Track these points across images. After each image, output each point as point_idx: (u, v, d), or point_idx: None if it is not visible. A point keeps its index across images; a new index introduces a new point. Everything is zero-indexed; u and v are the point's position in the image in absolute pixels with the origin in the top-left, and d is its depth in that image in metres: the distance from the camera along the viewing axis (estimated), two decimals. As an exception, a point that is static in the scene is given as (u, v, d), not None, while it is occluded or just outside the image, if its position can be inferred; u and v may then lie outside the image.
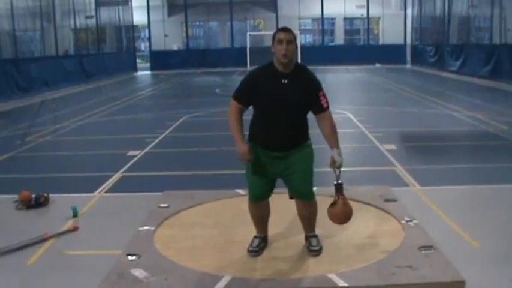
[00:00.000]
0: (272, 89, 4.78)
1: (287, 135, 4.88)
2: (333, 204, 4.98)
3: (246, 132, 4.98)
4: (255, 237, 5.30)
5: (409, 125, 13.06)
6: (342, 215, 5.00)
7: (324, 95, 4.87)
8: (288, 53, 4.74)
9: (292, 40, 4.77)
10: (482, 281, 4.62)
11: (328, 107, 4.88)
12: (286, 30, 4.84)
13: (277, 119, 4.83)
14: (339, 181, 4.98)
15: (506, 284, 4.62)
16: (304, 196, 5.07)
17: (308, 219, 5.23)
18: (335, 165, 4.90)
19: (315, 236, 5.24)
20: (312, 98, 4.82)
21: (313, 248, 5.14)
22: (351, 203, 6.50)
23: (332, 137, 4.91)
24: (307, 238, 5.26)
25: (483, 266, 4.91)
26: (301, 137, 4.99)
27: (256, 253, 5.16)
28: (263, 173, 4.99)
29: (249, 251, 5.18)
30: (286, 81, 4.79)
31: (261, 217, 5.25)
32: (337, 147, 4.91)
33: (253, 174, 5.02)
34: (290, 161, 4.95)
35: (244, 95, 4.93)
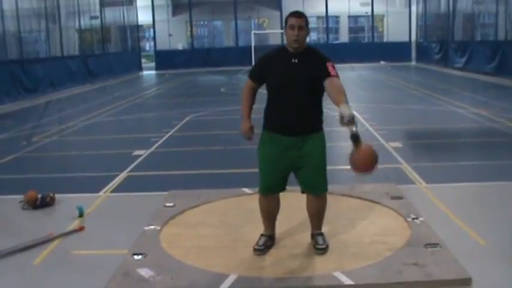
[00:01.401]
0: (282, 69, 4.85)
1: (298, 116, 4.87)
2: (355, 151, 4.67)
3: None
4: (262, 235, 5.29)
5: (415, 123, 13.03)
6: (368, 156, 4.73)
7: (333, 66, 4.83)
8: (299, 39, 4.80)
9: (303, 26, 4.80)
10: (488, 278, 4.60)
11: (336, 76, 4.80)
12: (298, 15, 4.85)
13: (288, 99, 4.85)
14: (354, 130, 4.58)
15: (513, 281, 4.61)
16: (316, 189, 5.07)
17: (317, 216, 5.21)
18: (344, 120, 4.47)
19: (321, 234, 5.23)
20: (320, 70, 4.78)
21: (319, 247, 5.13)
22: (358, 201, 6.56)
23: (339, 95, 4.66)
24: (313, 236, 5.25)
25: (490, 264, 4.90)
26: (313, 121, 4.96)
27: (262, 252, 5.15)
28: (275, 163, 4.98)
29: (254, 249, 5.16)
30: (296, 61, 4.84)
31: (269, 212, 5.23)
32: (344, 102, 4.58)
33: (266, 165, 5.03)
34: (303, 150, 4.92)
35: (257, 72, 5.02)
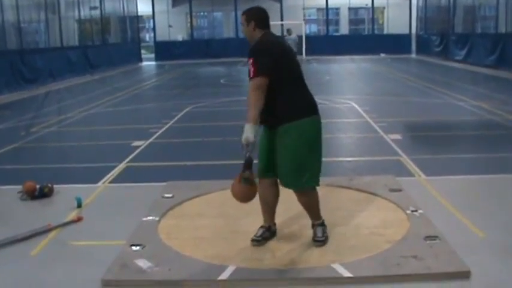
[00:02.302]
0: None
1: (267, 107, 4.79)
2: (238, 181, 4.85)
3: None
4: (261, 226, 5.29)
5: (414, 115, 13.01)
6: (238, 194, 4.92)
7: (251, 64, 4.77)
8: (245, 34, 5.14)
9: (243, 23, 5.08)
10: (487, 271, 4.59)
11: (250, 76, 4.77)
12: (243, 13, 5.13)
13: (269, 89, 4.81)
14: (246, 155, 4.72)
15: (512, 274, 4.60)
16: (291, 186, 5.04)
17: (308, 209, 5.22)
18: (241, 142, 4.66)
19: (320, 225, 5.21)
20: None
21: (317, 239, 5.13)
22: (356, 193, 6.55)
23: (248, 108, 4.72)
24: (313, 226, 5.24)
25: (489, 256, 4.88)
26: (276, 113, 4.86)
27: (258, 243, 5.16)
28: (265, 148, 5.06)
29: (251, 240, 5.17)
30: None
31: (266, 200, 5.23)
32: (247, 120, 4.68)
33: (259, 149, 5.07)
34: (276, 141, 4.95)
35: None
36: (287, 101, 4.87)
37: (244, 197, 4.94)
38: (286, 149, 4.88)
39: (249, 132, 4.62)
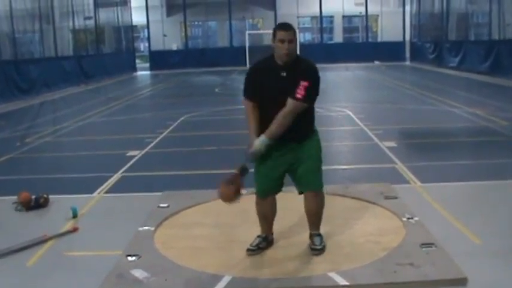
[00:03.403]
0: (271, 82, 4.84)
1: (294, 127, 4.83)
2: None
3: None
4: (258, 236, 5.29)
5: (409, 122, 13.03)
6: (225, 196, 4.94)
7: (307, 88, 4.73)
8: (290, 52, 4.78)
9: (292, 39, 4.77)
10: (484, 278, 4.59)
11: (300, 99, 4.74)
12: (287, 28, 4.81)
13: (278, 111, 4.79)
14: (247, 163, 4.90)
15: (509, 281, 4.59)
16: (312, 185, 5.07)
17: (315, 215, 5.22)
18: (250, 149, 4.82)
19: (319, 235, 5.22)
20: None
21: (314, 247, 5.13)
22: (352, 201, 6.56)
23: (274, 122, 4.79)
24: (311, 236, 5.24)
25: (485, 263, 4.89)
26: (304, 130, 4.96)
27: (253, 252, 5.15)
28: (271, 166, 5.02)
29: (247, 249, 5.17)
30: (284, 74, 4.82)
31: (265, 215, 5.24)
32: (267, 135, 4.79)
33: (262, 168, 5.05)
34: (298, 152, 4.97)
35: (250, 91, 4.97)
36: (312, 118, 5.03)
37: (228, 199, 4.93)
38: (313, 152, 5.03)
39: (263, 145, 4.76)
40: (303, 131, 4.95)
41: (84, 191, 7.82)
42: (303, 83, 4.72)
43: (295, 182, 5.13)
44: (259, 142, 4.78)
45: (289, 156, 4.98)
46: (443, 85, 21.35)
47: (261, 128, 4.89)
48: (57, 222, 6.40)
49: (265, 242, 5.27)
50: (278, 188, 5.16)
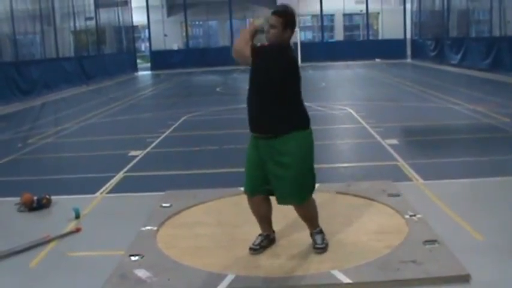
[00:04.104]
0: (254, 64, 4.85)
1: (263, 113, 4.80)
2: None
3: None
4: (259, 234, 5.29)
5: (411, 120, 13.02)
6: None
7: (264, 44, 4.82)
8: (271, 36, 4.83)
9: (274, 24, 4.78)
10: (487, 274, 4.59)
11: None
12: (273, 12, 4.84)
13: (256, 94, 4.84)
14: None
15: (512, 277, 4.60)
16: (289, 199, 4.96)
17: (306, 220, 5.20)
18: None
19: (319, 233, 5.21)
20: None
21: (317, 246, 5.12)
22: (354, 198, 6.55)
23: None
24: (311, 235, 5.24)
25: (488, 260, 4.88)
26: (279, 119, 4.76)
27: (256, 251, 5.15)
28: (251, 165, 5.01)
29: (249, 248, 5.17)
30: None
31: (258, 214, 5.23)
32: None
33: (247, 164, 5.05)
34: (274, 152, 4.81)
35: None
36: (292, 107, 4.85)
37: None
38: (294, 161, 4.79)
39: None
40: (278, 119, 4.75)
41: (86, 191, 7.83)
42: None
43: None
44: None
45: (267, 158, 4.85)
46: (444, 82, 21.33)
47: (248, 113, 4.93)
48: (60, 222, 6.40)
49: (267, 240, 5.26)
50: (263, 188, 5.02)
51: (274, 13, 4.79)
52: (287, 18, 4.80)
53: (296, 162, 4.79)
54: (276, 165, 4.81)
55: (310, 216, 5.17)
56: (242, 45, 4.82)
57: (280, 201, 4.98)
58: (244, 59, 4.82)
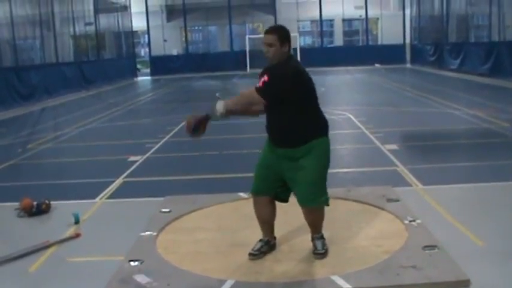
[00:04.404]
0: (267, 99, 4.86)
1: (278, 130, 4.93)
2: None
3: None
4: (260, 240, 5.29)
5: (410, 125, 13.03)
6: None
7: (265, 82, 4.78)
8: (268, 55, 4.89)
9: (271, 43, 4.84)
10: (487, 279, 4.59)
11: (256, 87, 4.80)
12: (267, 31, 4.95)
13: (272, 113, 4.93)
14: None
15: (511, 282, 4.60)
16: (306, 201, 4.99)
17: (312, 225, 5.20)
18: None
19: (320, 239, 5.20)
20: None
21: (317, 252, 5.12)
22: (354, 204, 6.56)
23: (233, 97, 5.05)
24: (312, 240, 5.23)
25: (488, 265, 4.88)
26: (298, 134, 4.88)
27: (255, 256, 5.14)
28: (265, 166, 5.07)
29: (249, 254, 5.17)
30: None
31: (261, 217, 5.23)
32: (225, 102, 4.92)
33: (260, 167, 5.11)
34: (294, 161, 4.91)
35: None
36: (309, 121, 4.94)
37: (189, 128, 5.19)
38: (313, 166, 4.91)
39: (221, 107, 4.88)
40: (297, 135, 4.88)
41: (86, 196, 7.83)
42: (264, 77, 4.80)
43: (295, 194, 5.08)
44: (219, 103, 4.88)
45: (284, 164, 4.95)
46: (443, 87, 21.35)
47: (267, 130, 5.03)
48: (59, 228, 6.40)
49: (267, 246, 5.26)
50: (272, 190, 5.10)
51: (267, 32, 4.90)
52: (281, 33, 4.90)
53: (315, 167, 4.92)
54: (296, 169, 4.92)
55: (317, 221, 5.18)
56: (246, 105, 4.95)
57: (302, 204, 5.04)
58: (260, 103, 4.86)
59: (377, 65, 36.39)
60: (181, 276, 4.81)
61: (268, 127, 5.03)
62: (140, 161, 10.18)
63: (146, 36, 41.98)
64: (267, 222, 5.26)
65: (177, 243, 5.64)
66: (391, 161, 9.20)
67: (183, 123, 5.16)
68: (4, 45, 22.03)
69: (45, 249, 5.74)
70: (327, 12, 39.96)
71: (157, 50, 40.39)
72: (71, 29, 29.46)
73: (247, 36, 39.18)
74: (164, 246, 5.53)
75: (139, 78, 36.91)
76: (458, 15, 29.55)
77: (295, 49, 32.18)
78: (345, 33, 45.61)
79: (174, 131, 13.36)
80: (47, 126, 15.94)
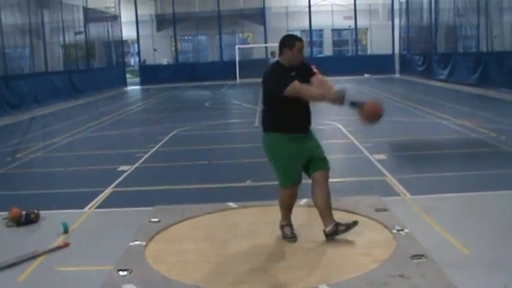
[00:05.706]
0: (287, 80, 5.49)
1: (306, 116, 5.76)
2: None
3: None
4: (286, 225, 5.71)
5: (399, 135, 13.10)
6: (372, 109, 6.17)
7: (317, 68, 5.76)
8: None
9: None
10: (474, 287, 4.63)
11: (319, 73, 5.78)
12: (302, 39, 5.81)
13: (297, 104, 5.57)
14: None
15: (498, 291, 4.63)
16: (326, 163, 5.79)
17: (327, 204, 5.69)
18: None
19: (338, 224, 5.67)
20: (310, 74, 5.77)
21: (341, 228, 5.68)
22: (343, 213, 6.58)
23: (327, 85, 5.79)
24: (328, 234, 5.61)
25: (475, 274, 4.93)
26: (310, 119, 5.83)
27: (295, 238, 5.63)
28: (299, 158, 5.63)
29: (289, 237, 5.61)
30: (294, 73, 5.57)
31: (290, 205, 5.75)
32: (325, 98, 5.62)
33: (291, 161, 5.62)
34: (309, 140, 5.75)
35: (284, 81, 5.53)
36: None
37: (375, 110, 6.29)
38: (319, 143, 5.93)
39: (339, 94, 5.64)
40: (310, 120, 5.80)
41: (75, 206, 7.82)
42: (315, 69, 5.86)
43: (312, 165, 5.68)
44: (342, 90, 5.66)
45: (304, 144, 5.67)
46: (432, 97, 21.47)
47: (287, 123, 5.61)
48: (48, 237, 6.39)
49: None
50: (300, 178, 5.70)
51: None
52: (279, 43, 5.71)
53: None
54: (315, 142, 5.85)
55: (330, 196, 5.81)
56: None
57: (326, 164, 5.84)
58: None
59: (366, 75, 36.52)
60: (170, 286, 4.81)
61: (293, 118, 5.61)
62: (129, 170, 10.17)
63: (136, 45, 41.96)
64: (291, 208, 5.78)
65: (166, 253, 5.64)
66: (379, 171, 9.25)
67: (376, 111, 6.21)
68: (-7, 53, 21.97)
69: (34, 259, 5.73)
70: (317, 22, 40.12)
71: (147, 59, 40.37)
72: (61, 38, 29.40)
73: (237, 46, 39.28)
74: (153, 256, 5.53)
75: (129, 88, 36.88)
76: (447, 26, 29.73)
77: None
78: (335, 43, 45.78)
79: (163, 141, 13.37)
80: (36, 135, 15.90)
